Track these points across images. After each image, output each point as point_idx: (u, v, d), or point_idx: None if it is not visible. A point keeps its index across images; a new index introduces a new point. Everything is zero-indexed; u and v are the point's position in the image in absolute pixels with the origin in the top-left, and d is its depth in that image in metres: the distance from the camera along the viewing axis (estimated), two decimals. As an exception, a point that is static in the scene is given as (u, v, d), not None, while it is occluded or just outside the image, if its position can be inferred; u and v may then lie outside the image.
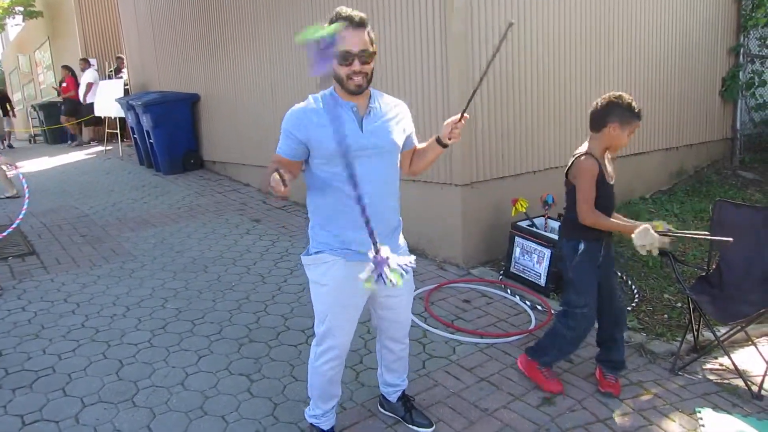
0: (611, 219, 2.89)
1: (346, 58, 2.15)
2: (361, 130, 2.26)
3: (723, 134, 6.86)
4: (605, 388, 3.04)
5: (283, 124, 2.29)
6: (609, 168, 2.94)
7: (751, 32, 6.65)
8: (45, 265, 5.17)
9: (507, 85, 4.67)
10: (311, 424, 2.66)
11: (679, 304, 3.99)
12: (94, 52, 14.01)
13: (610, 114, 2.88)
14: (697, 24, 6.25)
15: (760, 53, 6.73)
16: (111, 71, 12.82)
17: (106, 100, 11.00)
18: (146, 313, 4.09)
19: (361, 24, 2.16)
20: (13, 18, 17.89)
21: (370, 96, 2.33)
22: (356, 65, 2.16)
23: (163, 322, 3.93)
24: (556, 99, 5.03)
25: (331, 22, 2.15)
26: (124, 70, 12.35)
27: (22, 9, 15.89)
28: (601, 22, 5.28)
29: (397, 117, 2.39)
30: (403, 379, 2.81)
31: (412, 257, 2.19)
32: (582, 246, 2.91)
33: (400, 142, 2.40)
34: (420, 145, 2.55)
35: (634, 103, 2.91)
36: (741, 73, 6.66)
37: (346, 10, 2.16)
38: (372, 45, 2.20)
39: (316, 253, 2.37)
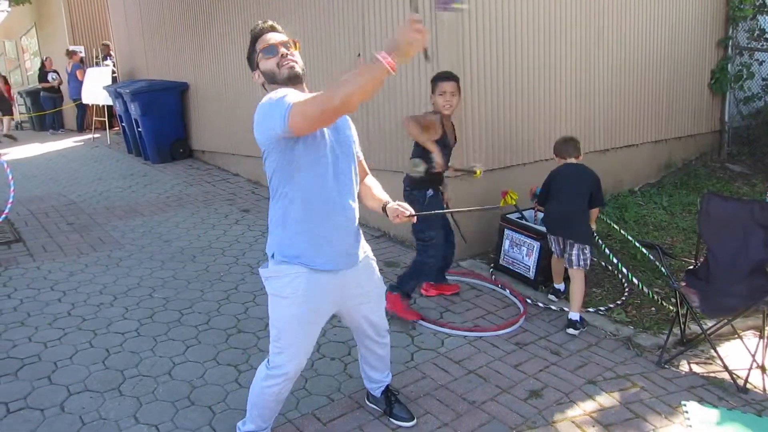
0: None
1: (270, 50, 2.20)
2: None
3: (711, 127, 6.89)
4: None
5: (278, 96, 2.01)
6: (448, 130, 3.68)
7: (740, 24, 6.65)
8: (31, 253, 5.12)
9: (496, 77, 4.66)
10: None
11: (666, 300, 4.01)
12: (81, 40, 13.80)
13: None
14: (686, 16, 6.25)
15: (749, 45, 6.74)
16: (99, 59, 12.64)
17: (94, 87, 10.87)
18: (133, 302, 4.06)
19: (274, 28, 2.27)
20: (-1, 3, 17.62)
21: None
22: (282, 50, 2.20)
23: (151, 312, 3.90)
24: (545, 91, 5.02)
25: (251, 40, 2.28)
26: (111, 57, 12.20)
27: (8, -7, 15.65)
28: (590, 14, 5.27)
29: (348, 122, 2.36)
30: (386, 374, 2.79)
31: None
32: (430, 192, 3.64)
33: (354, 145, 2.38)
34: (369, 182, 2.52)
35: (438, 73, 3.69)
36: (730, 66, 6.68)
37: (259, 23, 2.30)
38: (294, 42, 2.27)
39: (281, 264, 2.23)
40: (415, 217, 2.35)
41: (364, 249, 2.44)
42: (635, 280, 3.99)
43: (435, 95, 3.57)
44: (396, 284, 3.73)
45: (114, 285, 4.36)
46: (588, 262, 3.66)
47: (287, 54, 2.19)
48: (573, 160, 3.95)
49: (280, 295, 2.24)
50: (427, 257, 3.68)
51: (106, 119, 11.47)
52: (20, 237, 5.58)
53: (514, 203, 4.43)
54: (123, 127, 9.68)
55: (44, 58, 14.15)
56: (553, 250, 3.93)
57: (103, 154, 10.06)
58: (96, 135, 11.66)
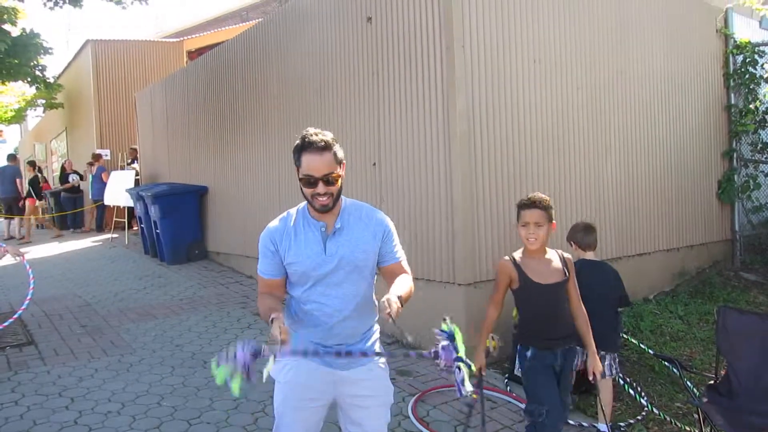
0: (489, 318, 3.00)
1: (310, 181, 2.24)
2: (324, 251, 2.31)
3: (723, 235, 6.94)
4: None
5: (260, 244, 2.38)
6: (539, 266, 2.98)
7: (743, 138, 6.89)
8: (42, 356, 5.10)
9: (507, 195, 4.78)
10: None
11: (687, 417, 3.88)
12: (108, 143, 14.50)
13: None
14: (691, 130, 6.50)
15: (753, 158, 6.93)
16: (128, 162, 13.19)
17: (117, 189, 11.27)
18: (141, 410, 3.99)
19: (325, 148, 2.24)
20: (35, 110, 18.66)
21: (340, 213, 2.36)
22: (320, 188, 2.24)
23: (158, 422, 3.82)
24: (555, 200, 5.11)
25: (298, 145, 2.28)
26: (137, 161, 12.73)
27: (43, 101, 16.63)
28: (598, 128, 5.50)
29: (366, 233, 2.37)
30: None
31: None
32: (530, 352, 2.96)
33: (370, 258, 2.37)
34: (398, 280, 2.36)
35: (522, 199, 3.06)
36: (736, 177, 6.83)
37: (311, 135, 2.25)
38: (339, 165, 2.28)
39: None
40: (389, 318, 2.06)
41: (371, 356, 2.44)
42: (644, 402, 3.88)
43: (519, 225, 3.00)
44: None
45: (123, 392, 4.31)
46: (619, 368, 3.60)
47: (323, 192, 2.23)
48: (591, 254, 3.86)
49: (277, 379, 2.42)
50: None
51: (126, 220, 11.77)
52: (32, 339, 5.58)
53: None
54: (142, 228, 9.91)
55: (64, 161, 14.78)
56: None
57: (120, 254, 10.22)
58: (114, 235, 11.91)
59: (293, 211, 2.42)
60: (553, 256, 3.02)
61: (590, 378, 3.04)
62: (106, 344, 5.41)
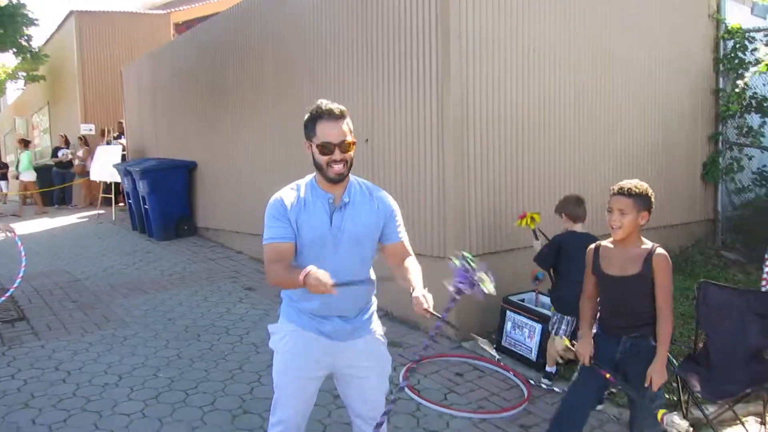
0: (587, 317, 2.94)
1: (327, 147, 2.30)
2: (330, 223, 2.37)
3: (705, 215, 7.11)
4: None
5: (270, 212, 2.39)
6: (619, 256, 2.84)
7: (729, 122, 7.01)
8: (36, 332, 5.14)
9: (499, 166, 4.88)
10: None
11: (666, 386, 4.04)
12: (93, 117, 14.32)
13: None
14: (678, 112, 6.60)
15: (738, 141, 7.07)
16: (115, 136, 13.07)
17: (104, 164, 11.19)
18: (138, 382, 4.07)
19: (340, 116, 2.34)
20: (15, 82, 18.31)
21: (347, 187, 2.42)
22: (336, 154, 2.31)
23: (156, 392, 3.91)
24: (545, 177, 5.23)
25: (313, 114, 2.34)
26: (123, 135, 12.63)
27: (24, 74, 16.32)
28: (586, 108, 5.58)
29: (371, 210, 2.44)
30: None
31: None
32: (595, 330, 2.97)
33: (372, 234, 2.45)
34: (407, 264, 2.48)
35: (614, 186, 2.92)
36: (721, 159, 6.97)
37: (326, 104, 2.34)
38: (351, 134, 2.36)
39: (281, 320, 2.53)
40: (428, 313, 2.24)
41: (368, 329, 2.54)
42: None
43: (607, 211, 2.84)
44: None
45: (119, 364, 4.38)
46: None
47: (339, 159, 2.30)
48: (579, 227, 4.00)
49: (276, 349, 2.51)
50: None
51: (113, 195, 11.71)
52: (24, 315, 5.60)
53: (533, 227, 4.41)
54: (129, 203, 9.89)
55: (60, 135, 14.66)
56: (557, 331, 3.87)
57: (108, 230, 10.20)
58: (101, 211, 11.85)
59: (301, 182, 2.46)
60: (644, 248, 2.83)
61: (645, 384, 2.73)
62: (98, 319, 5.46)
